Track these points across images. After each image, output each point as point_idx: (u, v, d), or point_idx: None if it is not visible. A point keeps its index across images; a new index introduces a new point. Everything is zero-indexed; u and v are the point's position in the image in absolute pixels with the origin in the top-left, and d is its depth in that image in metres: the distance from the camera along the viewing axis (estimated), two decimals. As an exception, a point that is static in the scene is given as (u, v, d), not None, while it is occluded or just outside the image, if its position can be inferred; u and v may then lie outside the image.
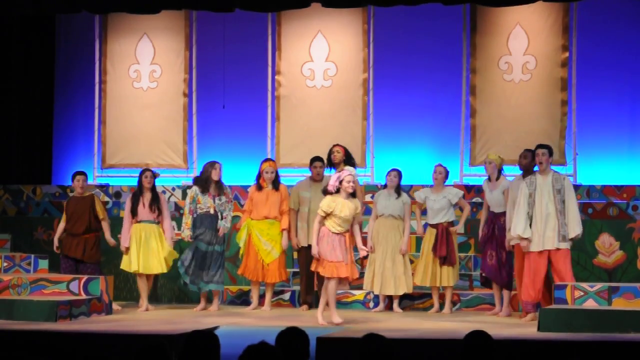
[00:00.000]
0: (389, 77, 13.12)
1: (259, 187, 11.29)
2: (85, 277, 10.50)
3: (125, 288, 12.50)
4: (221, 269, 11.17)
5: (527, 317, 9.97)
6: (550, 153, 10.14)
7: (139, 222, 11.15)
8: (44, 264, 11.52)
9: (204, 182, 11.18)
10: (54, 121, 13.90)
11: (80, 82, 13.81)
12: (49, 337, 8.30)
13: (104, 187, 12.98)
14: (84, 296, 10.32)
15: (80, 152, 13.75)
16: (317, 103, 13.09)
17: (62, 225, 11.40)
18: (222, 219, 11.16)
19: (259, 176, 11.32)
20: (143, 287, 11.15)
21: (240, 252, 11.35)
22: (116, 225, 11.83)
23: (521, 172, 10.60)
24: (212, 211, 11.12)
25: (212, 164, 11.24)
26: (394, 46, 13.12)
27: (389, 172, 11.28)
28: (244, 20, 13.33)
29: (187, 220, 11.19)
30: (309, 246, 10.68)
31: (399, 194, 11.18)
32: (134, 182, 13.13)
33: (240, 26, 13.37)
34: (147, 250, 11.06)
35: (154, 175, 11.34)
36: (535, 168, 10.30)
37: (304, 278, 11.35)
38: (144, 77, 13.50)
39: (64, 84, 13.89)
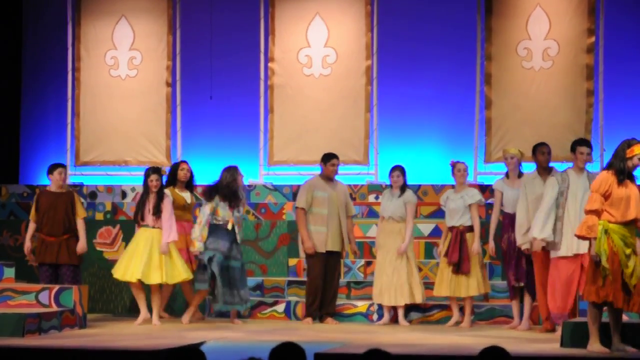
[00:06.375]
0: (394, 64, 13.11)
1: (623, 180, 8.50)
2: (56, 287, 10.46)
3: (101, 299, 12.48)
4: (247, 286, 11.16)
5: (559, 331, 9.85)
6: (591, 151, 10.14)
7: (144, 226, 10.98)
8: (10, 272, 11.47)
9: (232, 192, 11.00)
10: (22, 113, 13.88)
11: (50, 70, 13.80)
12: (16, 354, 8.26)
13: (77, 187, 12.91)
14: (55, 308, 10.28)
15: (51, 147, 13.72)
16: (314, 93, 13.07)
17: (32, 226, 11.21)
18: (238, 232, 11.03)
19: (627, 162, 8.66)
20: (149, 299, 11.04)
21: (603, 265, 8.22)
22: (90, 229, 11.82)
23: (536, 168, 10.60)
24: (230, 226, 11.00)
25: (235, 169, 11.10)
26: (400, 31, 13.11)
27: (392, 171, 11.23)
28: (233, 2, 13.30)
29: (204, 232, 10.99)
30: (327, 252, 11.14)
31: (402, 192, 11.15)
32: (110, 181, 13.14)
33: (229, 8, 13.37)
34: (161, 257, 10.90)
35: (161, 173, 11.14)
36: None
37: (312, 287, 11.21)
38: (122, 64, 13.48)
39: (32, 71, 13.87)
